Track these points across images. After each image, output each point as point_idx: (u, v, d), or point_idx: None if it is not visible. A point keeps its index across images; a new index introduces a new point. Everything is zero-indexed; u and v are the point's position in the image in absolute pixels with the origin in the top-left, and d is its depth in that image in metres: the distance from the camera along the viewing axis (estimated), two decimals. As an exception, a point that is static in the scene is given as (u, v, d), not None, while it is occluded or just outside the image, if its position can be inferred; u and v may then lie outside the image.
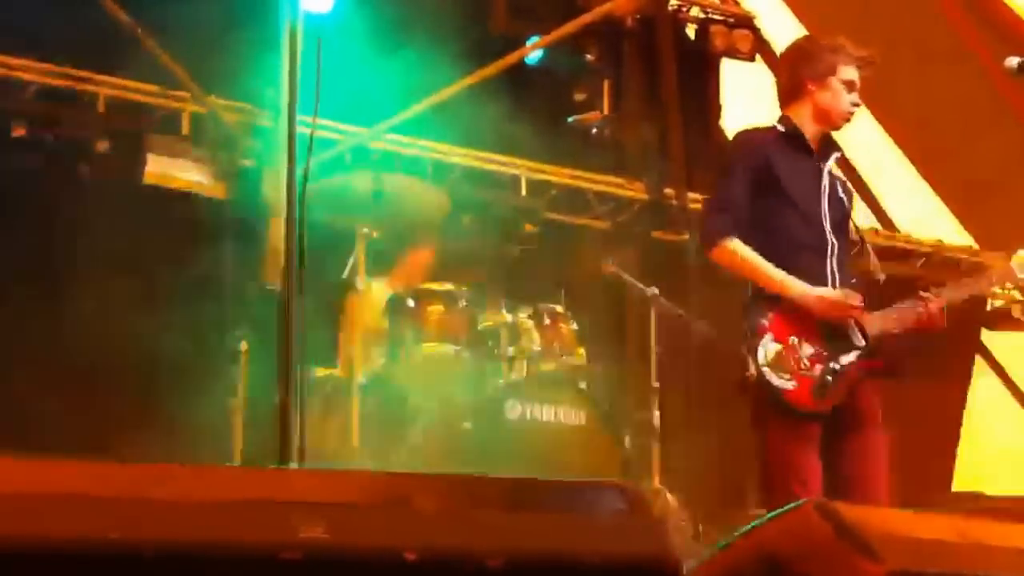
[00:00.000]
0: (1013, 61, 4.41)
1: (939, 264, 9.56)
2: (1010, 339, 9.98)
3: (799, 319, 4.06)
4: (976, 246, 9.65)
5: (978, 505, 8.12)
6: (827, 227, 4.22)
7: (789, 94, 4.35)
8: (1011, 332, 9.90)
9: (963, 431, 9.72)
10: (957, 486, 9.30)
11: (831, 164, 4.34)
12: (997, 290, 9.85)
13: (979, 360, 10.11)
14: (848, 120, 4.36)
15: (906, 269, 9.40)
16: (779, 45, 9.48)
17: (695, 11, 9.16)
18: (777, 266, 4.11)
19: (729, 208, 4.19)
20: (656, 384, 6.12)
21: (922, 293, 4.19)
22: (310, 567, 1.98)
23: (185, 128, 7.28)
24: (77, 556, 1.84)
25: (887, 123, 9.12)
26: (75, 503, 1.89)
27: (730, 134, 9.21)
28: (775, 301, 4.10)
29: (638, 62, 8.83)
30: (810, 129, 4.30)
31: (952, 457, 9.52)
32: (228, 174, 5.95)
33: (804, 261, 4.16)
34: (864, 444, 4.14)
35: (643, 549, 2.23)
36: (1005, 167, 8.11)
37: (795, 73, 4.32)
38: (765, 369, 4.02)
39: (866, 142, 9.17)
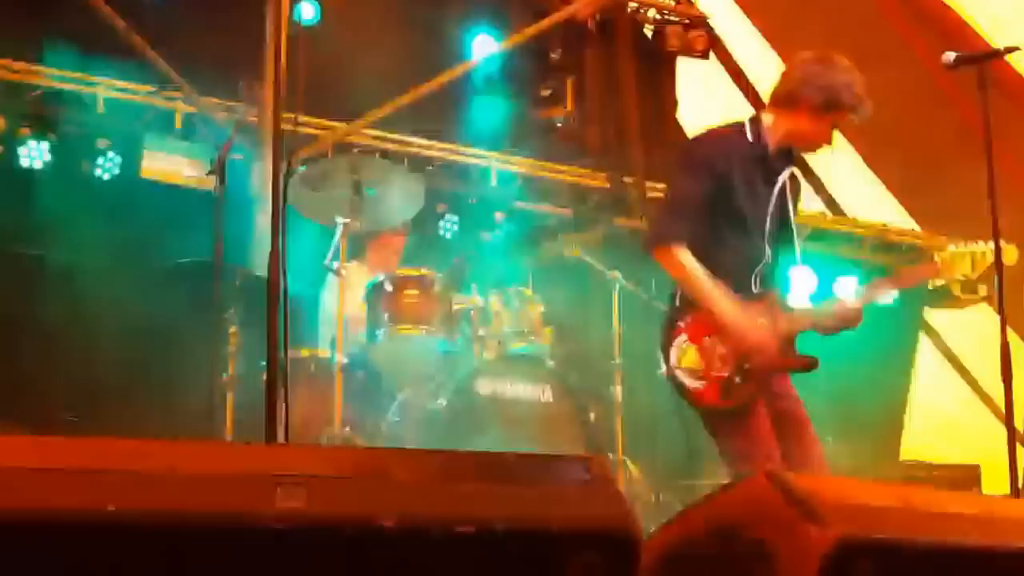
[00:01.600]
0: (950, 56, 4.44)
1: (884, 247, 9.62)
2: (951, 316, 10.04)
3: (715, 321, 3.93)
4: (917, 228, 9.70)
5: (925, 473, 8.19)
6: (767, 240, 4.07)
7: (784, 100, 4.08)
8: (952, 310, 9.96)
9: (909, 404, 9.78)
10: (904, 456, 9.36)
11: (785, 175, 4.14)
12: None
13: (923, 336, 10.17)
14: (814, 152, 4.27)
15: (853, 251, 9.46)
16: (731, 44, 9.51)
17: (652, 12, 9.20)
18: (708, 267, 3.93)
19: (684, 213, 3.98)
20: (619, 361, 6.14)
21: (840, 297, 4.06)
22: (293, 535, 1.99)
23: (178, 125, 7.32)
24: (76, 526, 1.84)
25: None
26: (74, 477, 1.89)
27: (686, 127, 9.26)
28: (694, 304, 3.97)
29: (599, 60, 8.86)
30: (777, 138, 4.08)
31: (899, 428, 9.58)
32: (218, 168, 5.92)
33: (734, 268, 4.00)
34: (788, 430, 4.02)
35: (605, 517, 2.24)
36: (943, 154, 8.14)
37: (804, 89, 4.02)
38: (677, 371, 3.95)
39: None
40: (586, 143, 8.86)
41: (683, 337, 3.96)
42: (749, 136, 4.08)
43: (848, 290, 4.10)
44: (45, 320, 6.50)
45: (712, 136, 4.17)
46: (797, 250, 4.17)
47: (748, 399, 3.91)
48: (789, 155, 4.18)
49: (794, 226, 4.16)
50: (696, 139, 4.28)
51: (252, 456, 2.16)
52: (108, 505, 1.85)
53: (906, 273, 4.44)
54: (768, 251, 4.08)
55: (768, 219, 4.08)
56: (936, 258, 4.18)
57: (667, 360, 3.98)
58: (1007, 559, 2.67)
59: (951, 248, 4.17)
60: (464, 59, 8.26)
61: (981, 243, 4.16)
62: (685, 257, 3.91)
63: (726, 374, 3.91)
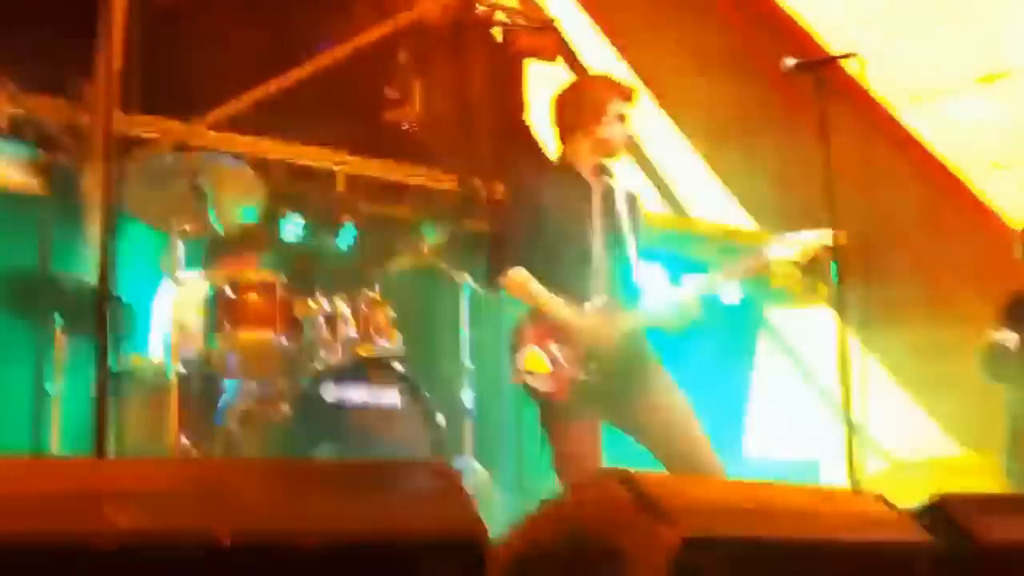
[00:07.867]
0: (789, 62, 4.59)
1: (728, 246, 9.81)
2: (791, 315, 10.29)
3: (557, 327, 4.27)
4: (759, 228, 9.92)
5: (768, 469, 8.39)
6: (598, 243, 4.41)
7: (567, 131, 4.53)
8: (792, 309, 10.21)
9: (751, 402, 9.99)
10: (749, 452, 9.57)
11: (605, 185, 4.50)
12: (776, 269, 10.15)
13: (764, 335, 10.40)
14: (623, 149, 4.57)
15: (699, 251, 9.62)
16: (579, 47, 9.61)
17: (501, 16, 9.25)
18: (555, 285, 4.31)
19: (511, 243, 4.42)
20: (468, 365, 6.12)
21: (664, 291, 4.45)
22: (125, 556, 1.90)
23: (1, 126, 7.04)
24: None
25: (678, 119, 9.32)
26: None
27: (535, 128, 9.35)
28: (538, 313, 4.33)
29: (448, 62, 8.86)
30: (587, 160, 4.49)
31: (742, 425, 9.78)
32: (46, 172, 5.70)
33: (575, 278, 4.35)
34: (648, 408, 4.32)
35: (453, 524, 2.21)
36: (783, 158, 8.36)
37: (572, 113, 4.50)
38: (525, 374, 4.26)
39: (660, 137, 9.35)
40: (435, 145, 8.84)
41: (529, 344, 4.27)
42: (555, 163, 4.60)
43: (664, 284, 4.46)
44: None
45: (520, 175, 4.75)
46: (631, 254, 4.47)
47: (590, 399, 4.21)
48: (603, 168, 4.55)
49: (625, 233, 4.47)
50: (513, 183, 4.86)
51: (79, 472, 2.07)
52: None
53: (733, 266, 4.64)
54: (603, 253, 4.40)
55: (596, 225, 4.42)
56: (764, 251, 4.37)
57: (515, 365, 4.29)
58: (848, 551, 2.73)
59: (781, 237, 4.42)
60: (314, 57, 8.15)
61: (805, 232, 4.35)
62: (519, 275, 4.34)
63: (570, 370, 4.20)
